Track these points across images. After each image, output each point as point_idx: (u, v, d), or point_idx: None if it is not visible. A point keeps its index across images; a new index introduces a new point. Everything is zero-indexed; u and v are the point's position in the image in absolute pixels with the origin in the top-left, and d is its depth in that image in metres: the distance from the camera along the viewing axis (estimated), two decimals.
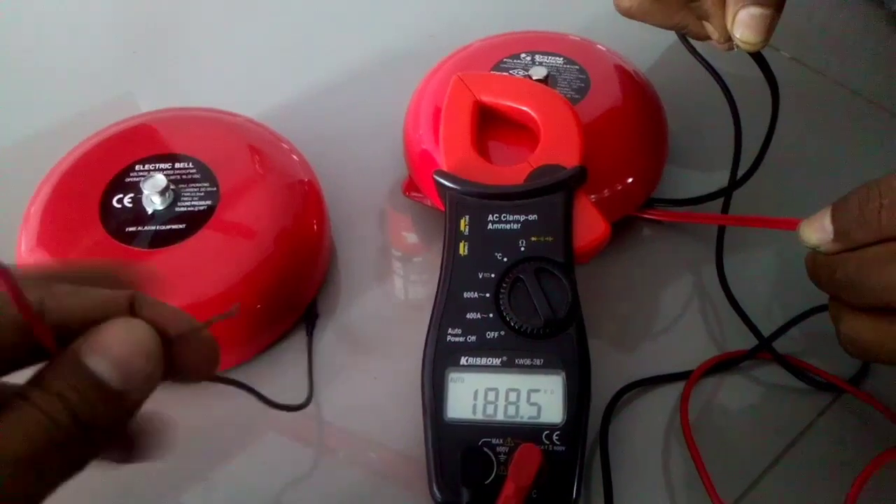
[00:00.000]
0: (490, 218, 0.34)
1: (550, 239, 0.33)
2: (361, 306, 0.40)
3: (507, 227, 0.34)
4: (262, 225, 0.37)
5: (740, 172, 0.39)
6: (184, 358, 0.21)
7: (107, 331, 0.18)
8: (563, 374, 0.31)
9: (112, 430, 0.18)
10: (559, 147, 0.36)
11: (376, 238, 0.43)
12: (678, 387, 0.36)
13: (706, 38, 0.35)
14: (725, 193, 0.40)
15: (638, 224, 0.42)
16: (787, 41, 0.52)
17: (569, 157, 0.35)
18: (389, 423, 0.36)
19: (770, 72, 0.35)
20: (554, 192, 0.34)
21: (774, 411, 0.35)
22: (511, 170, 0.35)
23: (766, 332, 0.37)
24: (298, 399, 0.34)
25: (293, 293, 0.39)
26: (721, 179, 0.40)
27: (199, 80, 0.52)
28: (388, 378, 0.37)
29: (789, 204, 0.42)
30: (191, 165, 0.38)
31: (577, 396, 0.31)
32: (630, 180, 0.40)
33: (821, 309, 0.36)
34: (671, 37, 0.38)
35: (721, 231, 0.40)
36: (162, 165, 0.38)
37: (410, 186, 0.43)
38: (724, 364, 0.37)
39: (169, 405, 0.23)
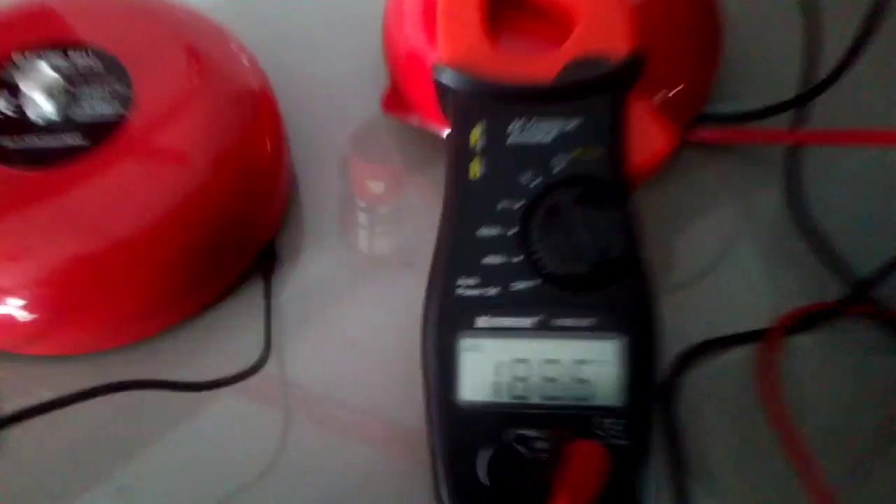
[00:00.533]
0: (512, 127, 0.25)
1: (597, 153, 0.24)
2: (333, 252, 0.31)
3: (536, 138, 0.25)
4: (194, 143, 0.27)
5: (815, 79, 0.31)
6: None
7: None
8: (622, 337, 0.23)
9: None
10: (600, 32, 0.26)
11: (350, 168, 0.34)
12: (751, 350, 0.28)
13: None
14: (798, 103, 0.32)
15: (686, 146, 0.33)
16: None
17: (616, 45, 0.26)
18: (377, 400, 0.27)
19: None
20: (601, 89, 0.25)
21: (880, 380, 0.28)
22: (538, 61, 0.26)
23: (858, 277, 0.29)
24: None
25: (241, 232, 0.29)
26: (783, 92, 0.32)
27: None
28: (373, 345, 0.28)
29: (871, 119, 0.34)
30: (94, 59, 0.28)
31: (641, 368, 0.22)
32: (674, 89, 0.31)
33: None
34: None
35: (792, 155, 0.31)
36: (52, 57, 0.28)
37: (392, 100, 0.34)
38: (808, 320, 0.28)
39: None
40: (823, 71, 0.30)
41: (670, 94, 0.31)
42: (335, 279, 0.31)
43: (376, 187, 0.34)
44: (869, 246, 0.30)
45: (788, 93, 0.32)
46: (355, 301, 0.30)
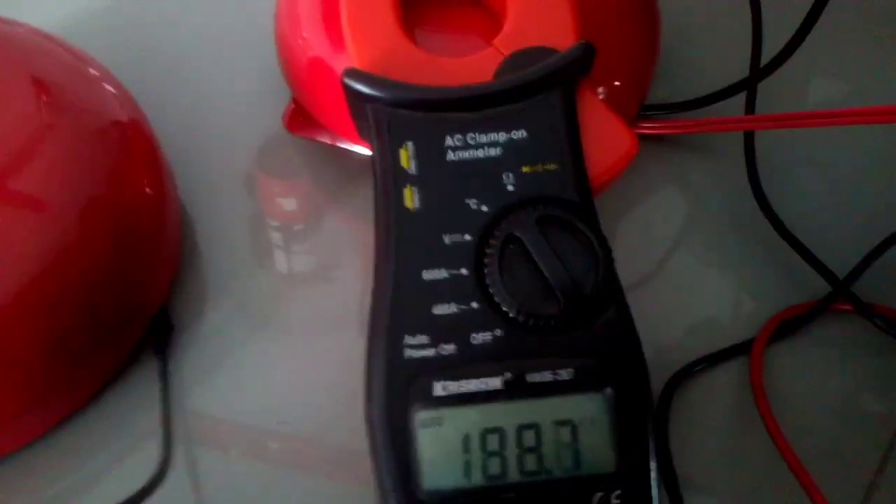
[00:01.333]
0: (449, 142, 0.20)
1: (553, 166, 0.20)
2: (237, 298, 0.26)
3: (481, 153, 0.20)
4: (51, 190, 0.22)
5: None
6: None
7: None
8: (608, 387, 0.19)
9: None
10: (540, 19, 0.22)
11: (250, 204, 0.28)
12: (738, 364, 0.25)
13: None
14: (743, 87, 0.29)
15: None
16: None
17: (558, 34, 0.22)
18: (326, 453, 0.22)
19: None
20: (549, 87, 0.21)
21: (869, 374, 0.25)
22: (470, 62, 0.22)
23: (835, 270, 0.26)
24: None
25: (122, 299, 0.24)
26: (724, 78, 0.29)
27: None
28: (304, 417, 0.24)
29: (818, 102, 0.32)
30: None
31: (635, 422, 0.19)
32: (616, 83, 0.28)
33: None
34: None
35: (749, 142, 0.28)
36: None
37: (296, 118, 0.29)
38: (790, 324, 0.26)
39: None
40: (767, 56, 0.28)
41: (614, 86, 0.27)
42: (250, 336, 0.26)
43: (285, 221, 0.29)
44: (840, 236, 0.27)
45: (735, 78, 0.29)
46: (278, 361, 0.25)
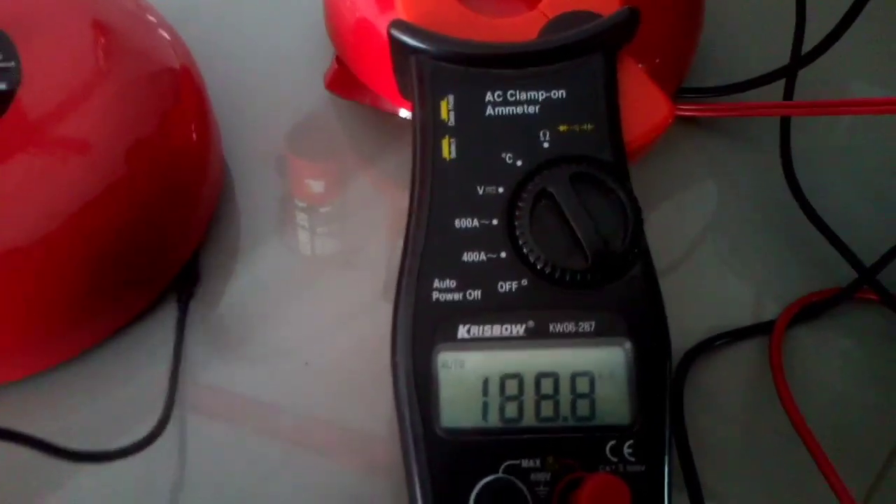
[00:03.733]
0: (489, 97, 0.21)
1: (589, 127, 0.21)
2: (268, 261, 0.27)
3: (520, 110, 0.21)
4: (97, 130, 0.23)
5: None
6: None
7: None
8: (629, 342, 0.19)
9: None
10: None
11: (287, 160, 0.29)
12: (757, 344, 0.25)
13: None
14: (784, 74, 0.29)
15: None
16: None
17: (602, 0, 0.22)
18: (340, 436, 0.23)
19: None
20: (589, 51, 0.21)
21: (892, 368, 0.25)
22: (515, 22, 0.22)
23: (863, 258, 0.26)
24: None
25: (158, 243, 0.24)
26: (767, 66, 0.29)
27: None
28: (327, 365, 0.24)
29: (857, 93, 0.31)
30: None
31: (654, 377, 0.19)
32: (657, 60, 0.28)
33: None
34: None
35: (785, 129, 0.28)
36: None
37: (338, 77, 0.29)
38: (812, 308, 0.26)
39: None
40: (809, 44, 0.28)
41: (654, 63, 0.28)
42: (273, 291, 0.26)
43: (321, 180, 0.29)
44: (870, 226, 0.27)
45: (774, 66, 0.29)
46: (307, 314, 0.26)
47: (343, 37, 0.28)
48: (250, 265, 0.27)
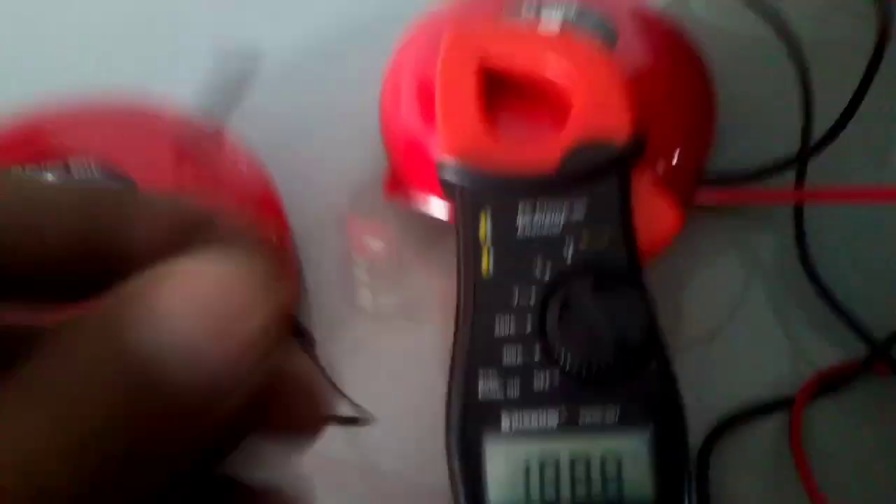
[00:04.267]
0: (520, 219, 0.25)
1: (607, 240, 0.24)
2: (343, 339, 0.31)
3: (545, 228, 0.24)
4: None
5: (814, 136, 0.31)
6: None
7: (185, 277, 0.09)
8: (650, 428, 0.22)
9: (193, 448, 0.09)
10: (601, 115, 0.26)
11: (348, 253, 0.33)
12: (779, 419, 0.28)
13: None
14: (798, 162, 0.32)
15: (692, 211, 0.33)
16: None
17: (615, 128, 0.26)
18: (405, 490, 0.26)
19: None
20: (605, 175, 0.25)
21: None
22: (539, 150, 0.26)
23: (875, 333, 0.28)
24: None
25: None
26: (780, 151, 0.32)
27: (89, 53, 0.40)
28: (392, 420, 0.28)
29: (874, 179, 0.34)
30: (95, 170, 0.28)
31: (672, 458, 0.22)
32: (675, 159, 0.31)
33: None
34: None
35: (799, 213, 0.31)
36: (54, 171, 0.28)
37: (394, 186, 0.34)
38: (830, 384, 0.28)
39: None
40: (819, 131, 0.30)
41: (673, 161, 0.31)
42: (353, 364, 0.30)
43: (382, 273, 0.34)
44: (883, 300, 0.29)
45: (786, 152, 0.32)
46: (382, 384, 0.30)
47: (396, 153, 0.32)
48: (331, 340, 0.31)
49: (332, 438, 0.28)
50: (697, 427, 0.27)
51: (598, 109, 0.26)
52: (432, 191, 0.29)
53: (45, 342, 0.09)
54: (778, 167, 0.32)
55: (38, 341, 0.09)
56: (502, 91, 0.29)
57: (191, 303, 0.09)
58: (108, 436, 0.09)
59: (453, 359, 0.23)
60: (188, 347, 0.09)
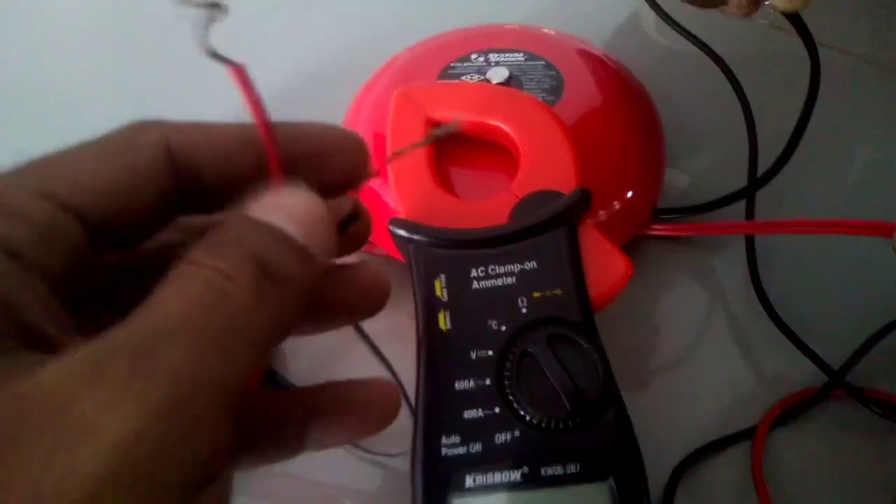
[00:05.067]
0: (474, 274, 0.25)
1: (559, 292, 0.25)
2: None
3: (499, 283, 0.25)
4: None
5: (760, 169, 0.32)
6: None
7: (277, 192, 0.15)
8: (610, 478, 0.22)
9: (307, 291, 0.15)
10: (547, 167, 0.27)
11: None
12: (743, 449, 0.28)
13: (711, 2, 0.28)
14: (747, 195, 0.33)
15: (643, 244, 0.34)
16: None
17: (562, 179, 0.27)
18: None
19: (811, 38, 0.27)
20: (554, 227, 0.25)
21: (869, 459, 0.28)
22: (490, 205, 0.27)
23: (831, 359, 0.29)
24: None
25: None
26: (733, 181, 0.33)
27: None
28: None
29: (821, 205, 0.35)
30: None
31: None
32: (630, 194, 0.32)
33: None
34: (628, 12, 0.30)
35: (751, 244, 0.32)
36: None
37: None
38: (791, 411, 0.29)
39: None
40: (765, 164, 0.31)
41: (627, 198, 0.32)
42: None
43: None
44: (831, 330, 0.30)
45: (737, 182, 0.33)
46: None
47: None
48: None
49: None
50: (664, 461, 0.27)
51: (544, 162, 0.27)
52: (389, 245, 0.29)
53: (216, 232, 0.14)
54: (728, 199, 0.33)
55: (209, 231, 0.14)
56: (454, 145, 0.29)
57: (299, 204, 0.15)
58: (263, 297, 0.13)
59: (415, 416, 0.24)
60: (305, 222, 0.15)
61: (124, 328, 0.12)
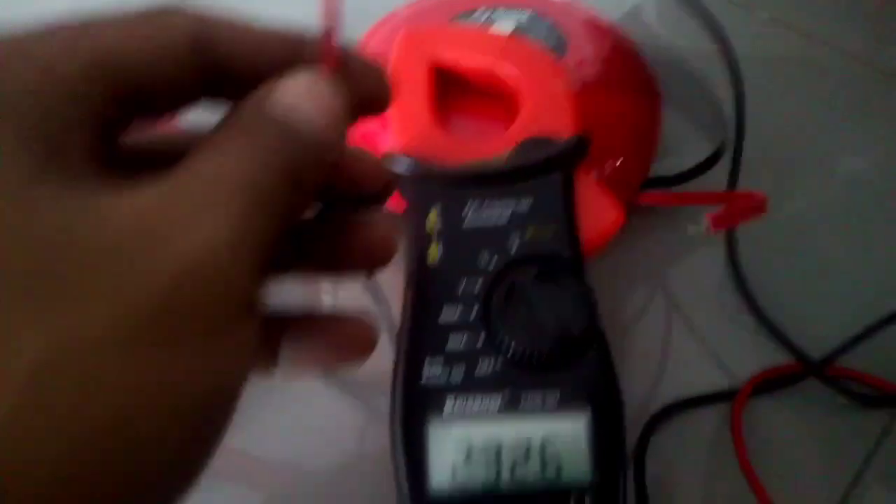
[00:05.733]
0: (467, 210, 0.25)
1: (551, 232, 0.25)
2: None
3: (492, 220, 0.25)
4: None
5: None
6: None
7: (295, 82, 0.15)
8: (588, 411, 0.23)
9: (317, 182, 0.16)
10: (547, 114, 0.27)
11: None
12: (716, 411, 0.28)
13: None
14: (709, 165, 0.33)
15: (636, 211, 0.34)
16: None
17: (560, 126, 0.27)
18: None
19: None
20: (551, 169, 0.26)
21: (838, 437, 0.28)
22: (487, 146, 0.27)
23: (811, 341, 0.29)
24: None
25: None
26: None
27: None
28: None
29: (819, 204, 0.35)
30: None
31: (609, 441, 0.23)
32: (620, 161, 0.32)
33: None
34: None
35: (731, 233, 0.32)
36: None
37: None
38: (769, 384, 0.29)
39: None
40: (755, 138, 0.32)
41: (617, 164, 0.32)
42: None
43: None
44: (817, 315, 0.31)
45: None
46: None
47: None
48: None
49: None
50: (639, 415, 0.27)
51: (544, 109, 0.27)
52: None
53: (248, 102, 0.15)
54: (698, 169, 0.33)
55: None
56: (454, 91, 0.30)
57: (313, 93, 0.15)
58: (288, 166, 0.14)
59: (398, 344, 0.24)
60: (316, 115, 0.15)
61: (177, 176, 0.13)
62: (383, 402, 0.24)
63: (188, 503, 0.13)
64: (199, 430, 0.13)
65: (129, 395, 0.11)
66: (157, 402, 0.12)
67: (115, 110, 0.14)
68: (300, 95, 0.15)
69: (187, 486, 0.13)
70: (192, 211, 0.13)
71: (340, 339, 0.20)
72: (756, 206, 0.26)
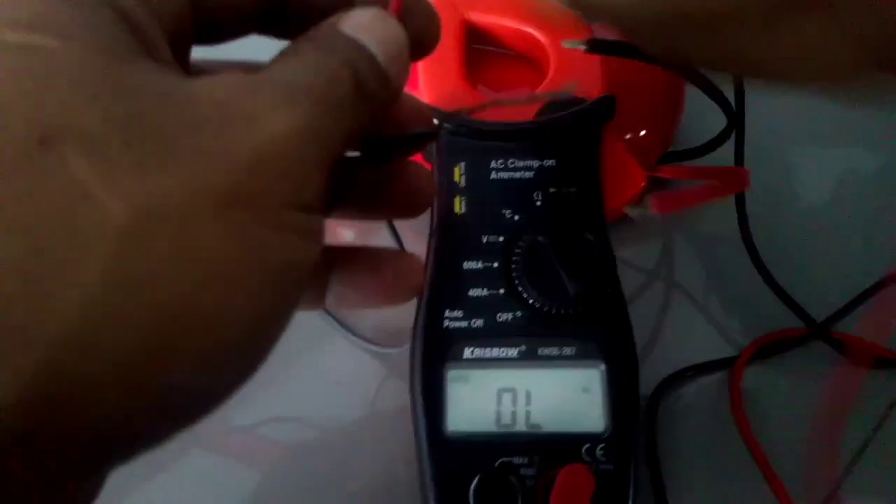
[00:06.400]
0: (493, 165, 0.26)
1: (574, 190, 0.25)
2: None
3: (517, 175, 0.26)
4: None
5: None
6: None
7: (364, 13, 0.16)
8: (603, 365, 0.23)
9: (382, 109, 0.16)
10: (575, 76, 0.28)
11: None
12: (722, 375, 0.29)
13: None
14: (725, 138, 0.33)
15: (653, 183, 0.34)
16: None
17: (588, 90, 0.27)
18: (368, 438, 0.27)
19: None
20: (578, 128, 0.26)
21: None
22: (514, 106, 0.27)
23: (819, 302, 0.30)
24: None
25: None
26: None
27: None
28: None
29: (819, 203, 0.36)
30: None
31: (623, 394, 0.23)
32: (642, 132, 0.33)
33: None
34: None
35: (741, 201, 0.33)
36: None
37: None
38: (770, 347, 0.30)
39: None
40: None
41: (639, 136, 0.32)
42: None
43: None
44: (822, 279, 0.31)
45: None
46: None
47: None
48: None
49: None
50: (652, 376, 0.28)
51: (572, 70, 0.28)
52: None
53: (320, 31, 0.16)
54: (711, 144, 0.33)
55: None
56: (484, 50, 0.30)
57: (382, 22, 0.16)
58: (357, 82, 0.15)
59: (422, 290, 0.24)
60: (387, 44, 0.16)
61: (255, 75, 0.14)
62: (402, 358, 0.24)
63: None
64: (274, 302, 0.13)
65: (215, 263, 0.12)
66: (238, 269, 0.12)
67: (189, 24, 0.15)
68: (371, 22, 0.16)
69: (256, 364, 0.14)
70: (271, 101, 0.13)
71: (390, 275, 0.21)
72: (737, 182, 0.26)
